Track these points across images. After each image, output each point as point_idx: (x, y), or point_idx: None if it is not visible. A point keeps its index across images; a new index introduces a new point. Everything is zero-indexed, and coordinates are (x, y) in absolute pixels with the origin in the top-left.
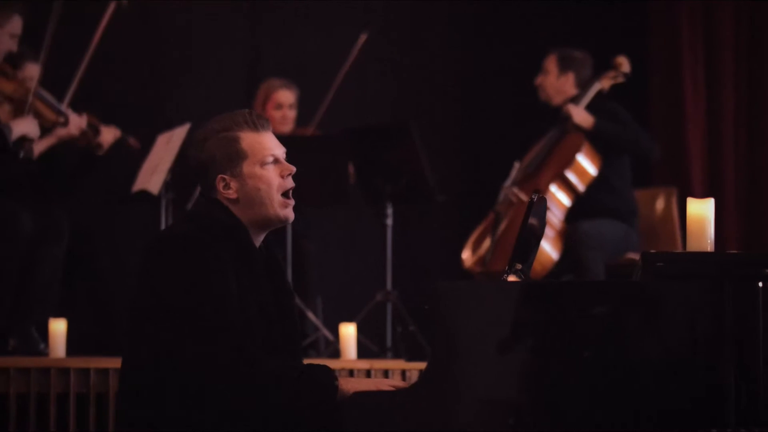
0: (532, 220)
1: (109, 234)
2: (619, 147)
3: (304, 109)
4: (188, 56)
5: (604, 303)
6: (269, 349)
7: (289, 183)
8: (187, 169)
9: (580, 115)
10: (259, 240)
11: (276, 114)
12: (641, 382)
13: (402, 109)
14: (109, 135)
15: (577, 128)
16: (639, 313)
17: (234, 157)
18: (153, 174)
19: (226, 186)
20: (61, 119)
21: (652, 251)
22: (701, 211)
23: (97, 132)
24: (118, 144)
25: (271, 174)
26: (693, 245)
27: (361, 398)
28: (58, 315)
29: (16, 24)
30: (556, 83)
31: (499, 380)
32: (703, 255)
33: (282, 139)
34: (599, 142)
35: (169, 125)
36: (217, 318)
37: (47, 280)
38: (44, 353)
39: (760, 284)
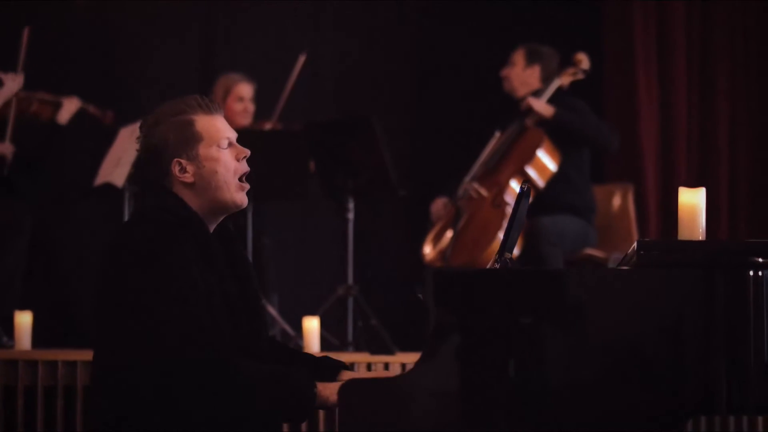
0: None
1: (71, 227)
2: (579, 137)
3: (260, 104)
4: (141, 52)
5: (597, 290)
6: (238, 340)
7: (245, 166)
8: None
9: (541, 105)
10: (212, 227)
11: (237, 106)
12: (631, 371)
13: (361, 103)
14: (70, 105)
15: (538, 121)
16: (630, 301)
17: (189, 140)
18: (116, 167)
19: (182, 170)
20: None
21: (646, 240)
22: (693, 200)
23: (59, 104)
24: (81, 114)
25: (228, 157)
26: (684, 234)
27: (355, 386)
28: (20, 308)
29: None
30: (522, 75)
31: (492, 369)
32: (693, 243)
33: (242, 132)
34: (559, 135)
35: (124, 120)
36: (186, 323)
37: (10, 272)
38: (8, 346)
39: (751, 273)
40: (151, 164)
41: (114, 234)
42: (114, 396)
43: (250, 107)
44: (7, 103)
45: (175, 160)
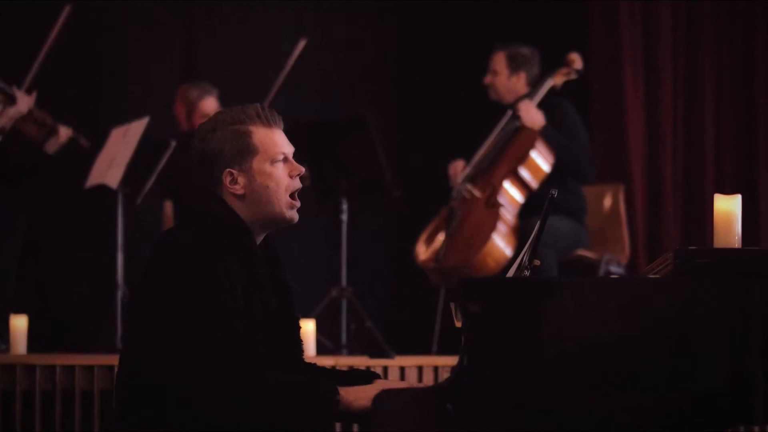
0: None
1: (64, 229)
2: (558, 161)
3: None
4: (124, 54)
5: (636, 300)
6: (272, 354)
7: (297, 184)
8: (187, 162)
9: (530, 118)
10: (260, 239)
11: None
12: (669, 380)
13: (348, 103)
14: (64, 134)
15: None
16: (668, 310)
17: (244, 152)
18: (110, 168)
19: (233, 181)
20: (9, 99)
21: (683, 248)
22: (729, 206)
23: (54, 131)
24: (69, 143)
25: (281, 173)
26: (720, 241)
27: (391, 397)
28: (14, 311)
29: None
30: (508, 83)
31: (531, 380)
32: (730, 251)
33: None
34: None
35: (107, 123)
36: (222, 333)
37: (3, 274)
38: (2, 350)
39: None
40: (203, 171)
41: (160, 235)
42: (139, 401)
43: None
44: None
45: (227, 170)
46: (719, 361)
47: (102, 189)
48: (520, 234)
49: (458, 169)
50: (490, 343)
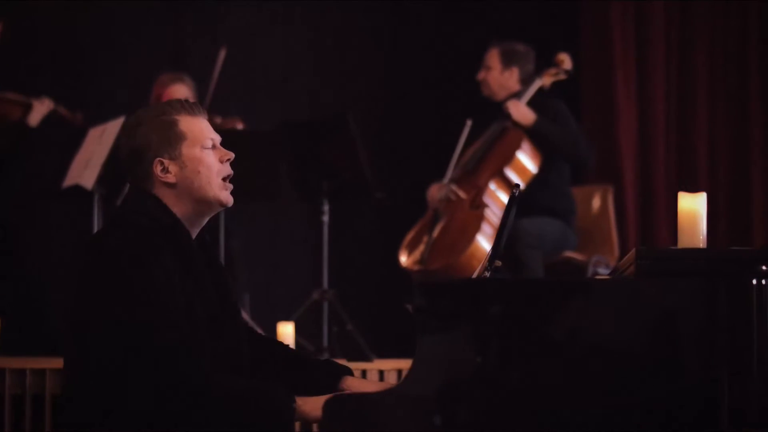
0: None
1: (39, 229)
2: (556, 149)
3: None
4: (110, 49)
5: (594, 301)
6: (218, 349)
7: (228, 169)
8: (117, 159)
9: (520, 113)
10: (195, 232)
11: None
12: (631, 383)
13: (334, 104)
14: (41, 107)
15: (518, 124)
16: (629, 312)
17: (172, 140)
18: (86, 168)
19: (164, 170)
20: None
21: (645, 247)
22: (693, 205)
23: (27, 107)
24: (52, 115)
25: (211, 158)
26: (684, 241)
27: (340, 403)
28: None
29: None
30: (500, 78)
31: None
32: (695, 251)
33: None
34: (537, 140)
35: (95, 120)
36: (165, 332)
37: None
38: None
39: (754, 281)
40: (133, 166)
41: (91, 239)
42: (86, 404)
43: None
44: None
45: (157, 159)
46: (683, 365)
47: (78, 190)
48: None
49: (434, 192)
50: (439, 347)
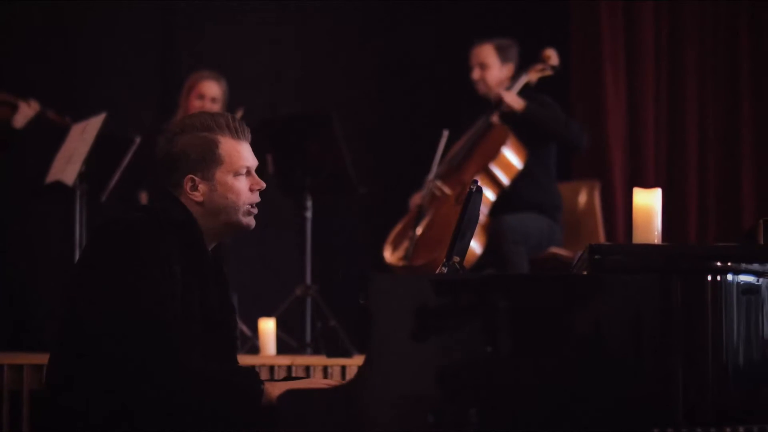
0: (471, 211)
1: (21, 226)
2: (549, 133)
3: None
4: (102, 47)
5: (547, 297)
6: (206, 352)
7: (256, 198)
8: (151, 159)
9: (512, 97)
10: (211, 245)
11: (196, 104)
12: (583, 380)
13: (323, 100)
14: (28, 110)
15: (504, 118)
16: (583, 308)
17: (209, 161)
18: (67, 164)
19: (194, 187)
20: None
21: (598, 243)
22: (648, 201)
23: (14, 108)
24: (39, 117)
25: (242, 186)
26: (639, 237)
27: (295, 397)
28: None
29: None
30: (500, 74)
31: (430, 377)
32: (650, 248)
33: None
34: (527, 131)
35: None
36: (150, 310)
37: None
38: None
39: (709, 277)
40: (166, 171)
41: (98, 223)
42: (71, 387)
43: (211, 106)
44: None
45: (190, 176)
46: (638, 361)
47: (61, 186)
48: (490, 232)
49: (417, 200)
50: (388, 343)
